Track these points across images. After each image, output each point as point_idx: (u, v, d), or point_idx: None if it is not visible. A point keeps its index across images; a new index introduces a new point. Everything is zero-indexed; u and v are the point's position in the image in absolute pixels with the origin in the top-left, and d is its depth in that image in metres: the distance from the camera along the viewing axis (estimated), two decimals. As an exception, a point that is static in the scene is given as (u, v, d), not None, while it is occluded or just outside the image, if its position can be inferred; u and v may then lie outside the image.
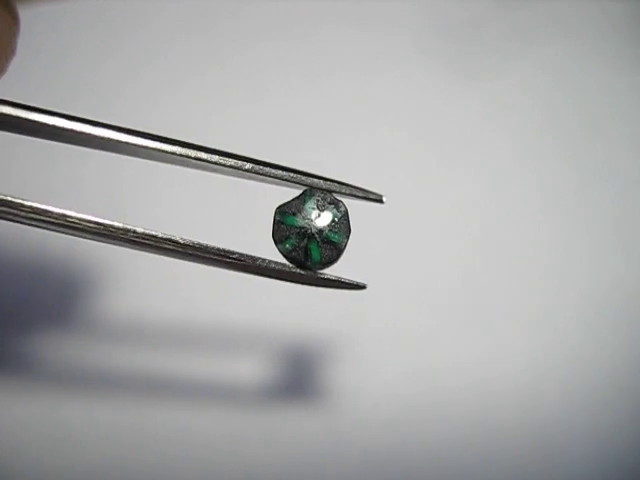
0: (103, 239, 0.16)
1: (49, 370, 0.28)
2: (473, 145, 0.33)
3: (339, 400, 0.28)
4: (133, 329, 0.28)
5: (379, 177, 0.32)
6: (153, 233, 0.16)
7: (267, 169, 0.16)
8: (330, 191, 0.16)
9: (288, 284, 0.23)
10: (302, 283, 0.17)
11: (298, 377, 0.28)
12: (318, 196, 0.16)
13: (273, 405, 0.27)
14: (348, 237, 0.17)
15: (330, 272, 0.17)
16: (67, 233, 0.16)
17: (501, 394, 0.28)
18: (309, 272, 0.16)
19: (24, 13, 0.33)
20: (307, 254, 0.16)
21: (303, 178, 0.16)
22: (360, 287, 0.17)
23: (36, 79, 0.33)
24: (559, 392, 0.28)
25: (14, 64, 0.33)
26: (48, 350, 0.28)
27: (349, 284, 0.17)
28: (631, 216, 0.31)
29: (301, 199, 0.16)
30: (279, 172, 0.16)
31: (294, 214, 0.16)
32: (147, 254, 0.16)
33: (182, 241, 0.16)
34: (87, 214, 0.16)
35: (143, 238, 0.16)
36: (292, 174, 0.16)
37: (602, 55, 0.35)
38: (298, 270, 0.16)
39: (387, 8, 0.35)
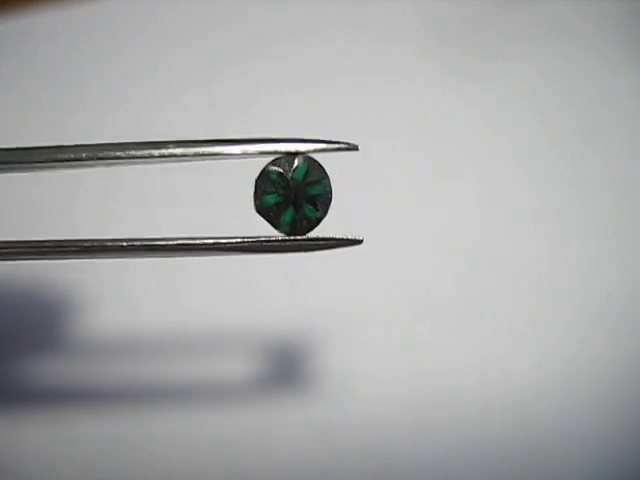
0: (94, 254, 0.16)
1: (40, 391, 0.28)
2: (471, 148, 0.33)
3: (331, 399, 0.28)
4: (118, 341, 0.28)
5: (377, 180, 0.32)
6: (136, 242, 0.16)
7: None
8: (293, 154, 0.16)
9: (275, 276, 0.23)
10: (297, 251, 0.16)
11: (290, 376, 0.28)
12: (279, 162, 0.16)
13: (264, 408, 0.28)
14: (327, 177, 0.16)
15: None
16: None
17: (496, 402, 0.28)
18: (307, 236, 0.16)
19: (22, 21, 0.34)
20: (306, 217, 0.16)
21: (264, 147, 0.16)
22: (357, 242, 0.16)
23: (36, 85, 0.33)
24: (554, 400, 0.28)
25: (14, 70, 0.33)
26: (39, 371, 0.28)
27: (345, 240, 0.16)
28: (628, 224, 0.31)
29: (264, 175, 0.16)
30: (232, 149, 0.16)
31: (270, 193, 0.16)
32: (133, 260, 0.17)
33: (170, 242, 0.16)
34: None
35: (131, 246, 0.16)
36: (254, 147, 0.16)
37: (602, 56, 0.34)
38: (291, 237, 0.16)
39: (385, 11, 0.35)
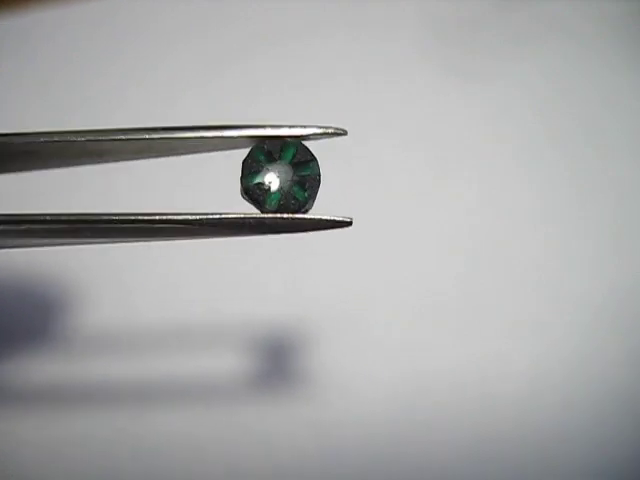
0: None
1: (37, 389, 0.28)
2: (471, 148, 0.33)
3: (328, 394, 0.28)
4: (112, 338, 0.28)
5: (377, 179, 0.32)
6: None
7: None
8: (280, 137, 0.16)
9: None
10: (285, 231, 0.16)
11: (289, 374, 0.28)
12: (267, 143, 0.16)
13: (262, 407, 0.28)
14: (315, 159, 0.16)
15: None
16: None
17: (497, 398, 0.28)
18: (296, 216, 0.16)
19: (22, 20, 0.34)
20: (294, 198, 0.16)
21: (250, 132, 0.16)
22: (346, 223, 0.16)
23: (36, 85, 0.33)
24: (556, 397, 0.28)
25: (14, 70, 0.33)
26: (34, 369, 0.28)
27: (334, 221, 0.16)
28: (628, 222, 0.31)
29: (252, 155, 0.16)
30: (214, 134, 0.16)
31: (256, 172, 0.16)
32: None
33: (153, 217, 0.15)
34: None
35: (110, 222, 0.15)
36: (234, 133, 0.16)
37: (602, 56, 0.34)
38: (279, 215, 0.16)
39: (385, 11, 0.35)
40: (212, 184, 0.26)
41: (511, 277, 0.30)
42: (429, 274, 0.30)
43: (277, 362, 0.28)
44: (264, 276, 0.30)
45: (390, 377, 0.28)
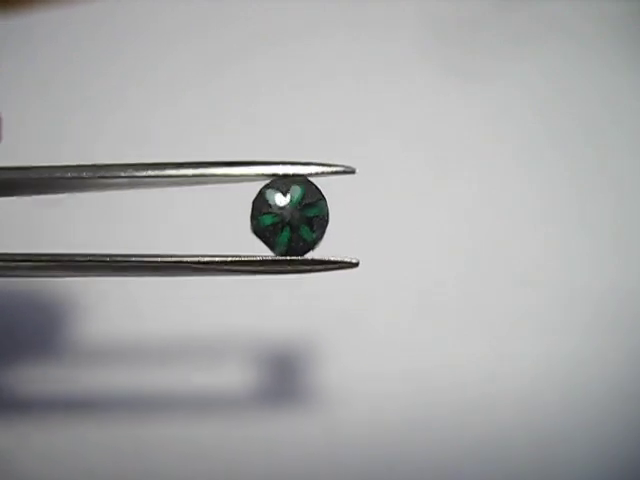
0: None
1: (43, 397, 0.28)
2: (471, 148, 0.33)
3: (328, 393, 0.28)
4: (118, 348, 0.28)
5: (377, 180, 0.32)
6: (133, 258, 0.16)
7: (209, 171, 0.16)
8: (290, 175, 0.16)
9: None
10: (292, 272, 0.16)
11: (290, 381, 0.28)
12: (276, 183, 0.16)
13: (267, 410, 0.28)
14: (324, 199, 0.16)
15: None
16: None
17: (497, 398, 0.28)
18: (303, 257, 0.16)
19: (23, 21, 0.34)
20: (302, 239, 0.16)
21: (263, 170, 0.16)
22: (352, 265, 0.16)
23: (36, 85, 0.33)
24: (556, 397, 0.28)
25: (14, 70, 0.33)
26: (40, 377, 0.28)
27: (340, 263, 0.16)
28: (629, 220, 0.31)
29: (261, 196, 0.16)
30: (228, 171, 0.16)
31: (266, 213, 0.16)
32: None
33: (162, 259, 0.16)
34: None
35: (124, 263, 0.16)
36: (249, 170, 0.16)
37: (602, 56, 0.34)
38: (287, 258, 0.16)
39: (385, 11, 0.35)
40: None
41: (511, 277, 0.30)
42: (429, 274, 0.30)
43: (278, 363, 0.28)
44: (266, 279, 0.29)
45: (390, 377, 0.28)
